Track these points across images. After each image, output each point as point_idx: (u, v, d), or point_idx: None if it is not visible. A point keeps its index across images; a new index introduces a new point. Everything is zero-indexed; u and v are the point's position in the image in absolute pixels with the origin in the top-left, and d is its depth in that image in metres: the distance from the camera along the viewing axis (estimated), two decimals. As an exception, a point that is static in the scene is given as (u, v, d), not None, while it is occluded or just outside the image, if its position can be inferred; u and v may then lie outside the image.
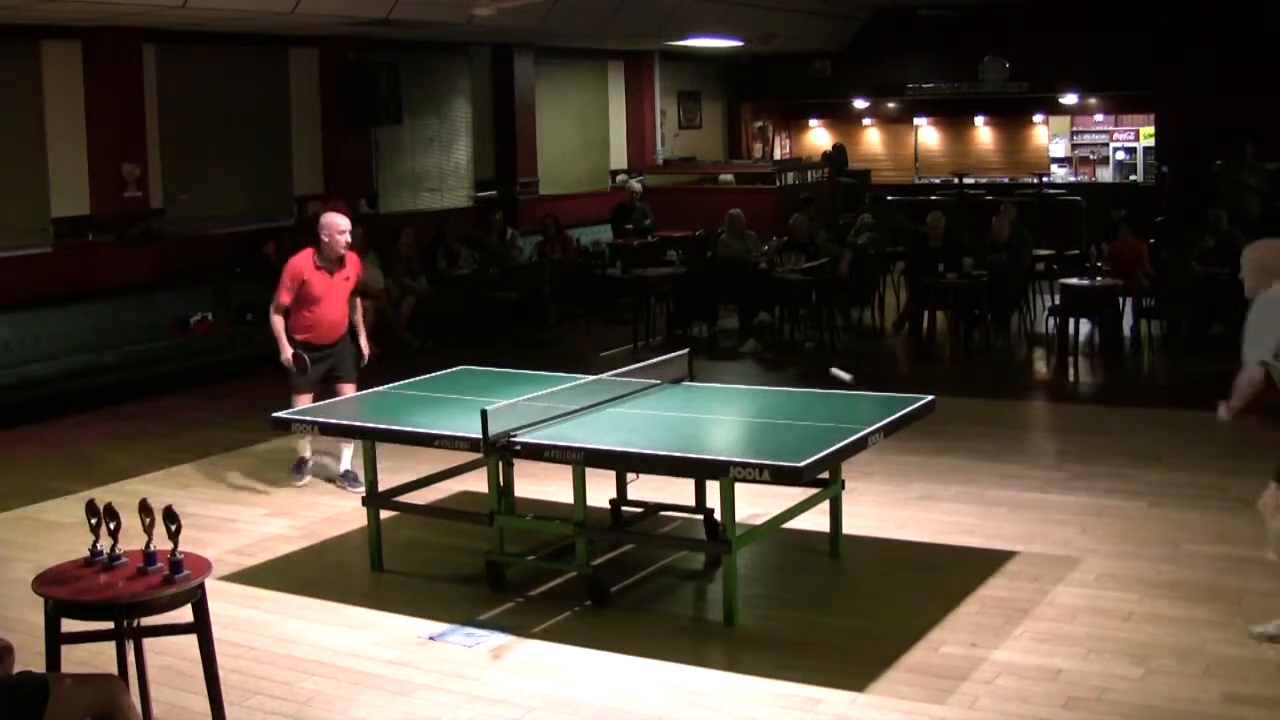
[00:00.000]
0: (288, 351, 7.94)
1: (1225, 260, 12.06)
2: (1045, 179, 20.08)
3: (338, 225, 7.91)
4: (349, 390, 8.01)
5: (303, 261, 7.95)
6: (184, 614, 4.61)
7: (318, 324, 7.99)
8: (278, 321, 7.98)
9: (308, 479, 8.20)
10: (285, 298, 7.93)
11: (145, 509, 4.54)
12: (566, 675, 5.30)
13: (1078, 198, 17.81)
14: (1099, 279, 11.94)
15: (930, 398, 6.55)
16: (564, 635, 5.70)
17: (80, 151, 11.69)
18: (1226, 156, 15.69)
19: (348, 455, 8.10)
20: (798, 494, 6.31)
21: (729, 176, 18.50)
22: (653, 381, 7.09)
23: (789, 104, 22.37)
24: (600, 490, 6.53)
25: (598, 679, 5.25)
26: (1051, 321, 12.37)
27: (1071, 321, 11.85)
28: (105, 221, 11.75)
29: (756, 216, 14.64)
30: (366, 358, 8.28)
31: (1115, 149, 20.54)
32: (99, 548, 4.59)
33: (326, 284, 7.93)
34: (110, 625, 4.41)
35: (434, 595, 6.23)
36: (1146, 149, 19.85)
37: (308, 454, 8.26)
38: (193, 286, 12.04)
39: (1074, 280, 12.23)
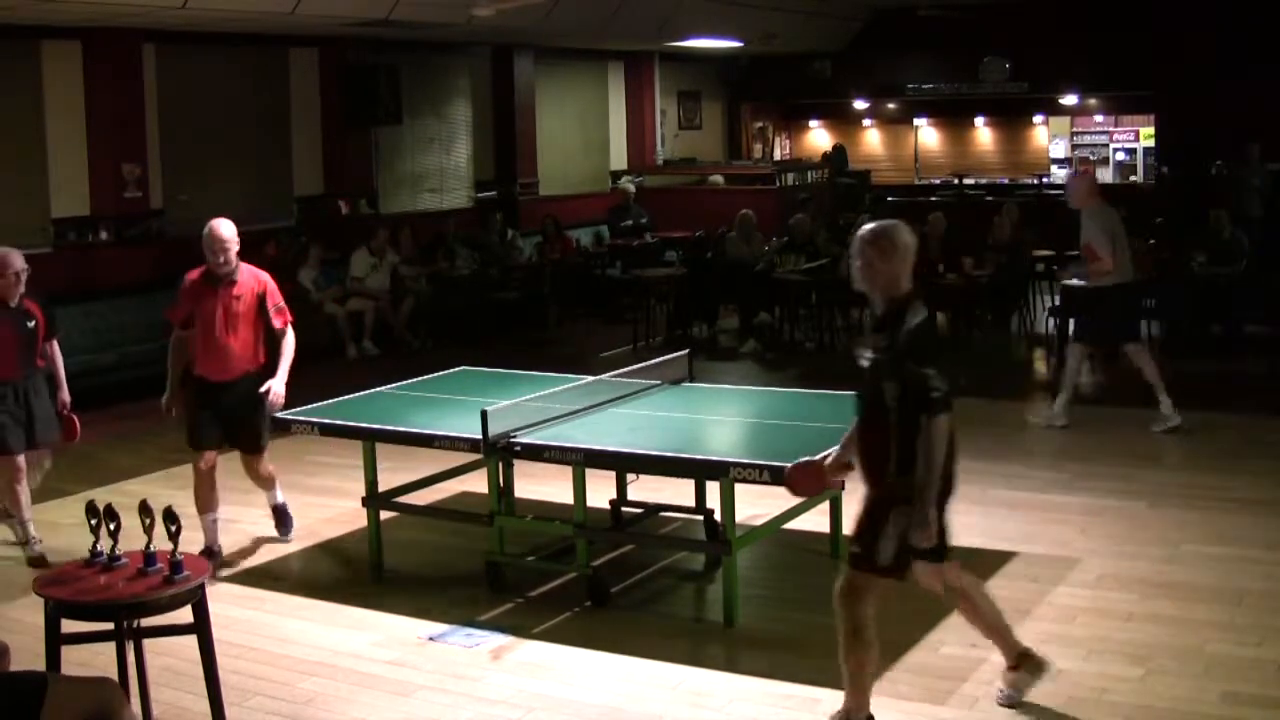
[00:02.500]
0: (168, 392, 6.84)
1: (1226, 261, 12.09)
2: (1045, 179, 20.09)
3: (212, 234, 6.56)
4: (255, 464, 6.88)
5: (192, 273, 6.73)
6: (184, 614, 4.61)
7: (201, 352, 6.69)
8: (172, 347, 6.86)
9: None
10: (172, 314, 6.78)
11: (145, 509, 4.55)
12: (566, 675, 5.30)
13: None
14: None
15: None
16: (564, 635, 5.70)
17: (80, 151, 11.70)
18: (1227, 156, 15.68)
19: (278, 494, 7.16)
20: (798, 494, 6.30)
21: (718, 178, 18.48)
22: (653, 382, 7.10)
23: (789, 104, 22.36)
24: (600, 490, 6.53)
25: (598, 679, 5.24)
26: (1051, 321, 12.37)
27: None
28: (105, 221, 11.76)
29: (757, 217, 14.64)
30: (273, 399, 6.64)
31: (1115, 149, 20.53)
32: (99, 548, 4.59)
33: (211, 303, 6.59)
34: (110, 626, 4.41)
35: (434, 595, 6.23)
36: (1146, 149, 19.85)
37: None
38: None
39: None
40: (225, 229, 6.56)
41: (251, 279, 6.69)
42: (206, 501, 6.78)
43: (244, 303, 6.62)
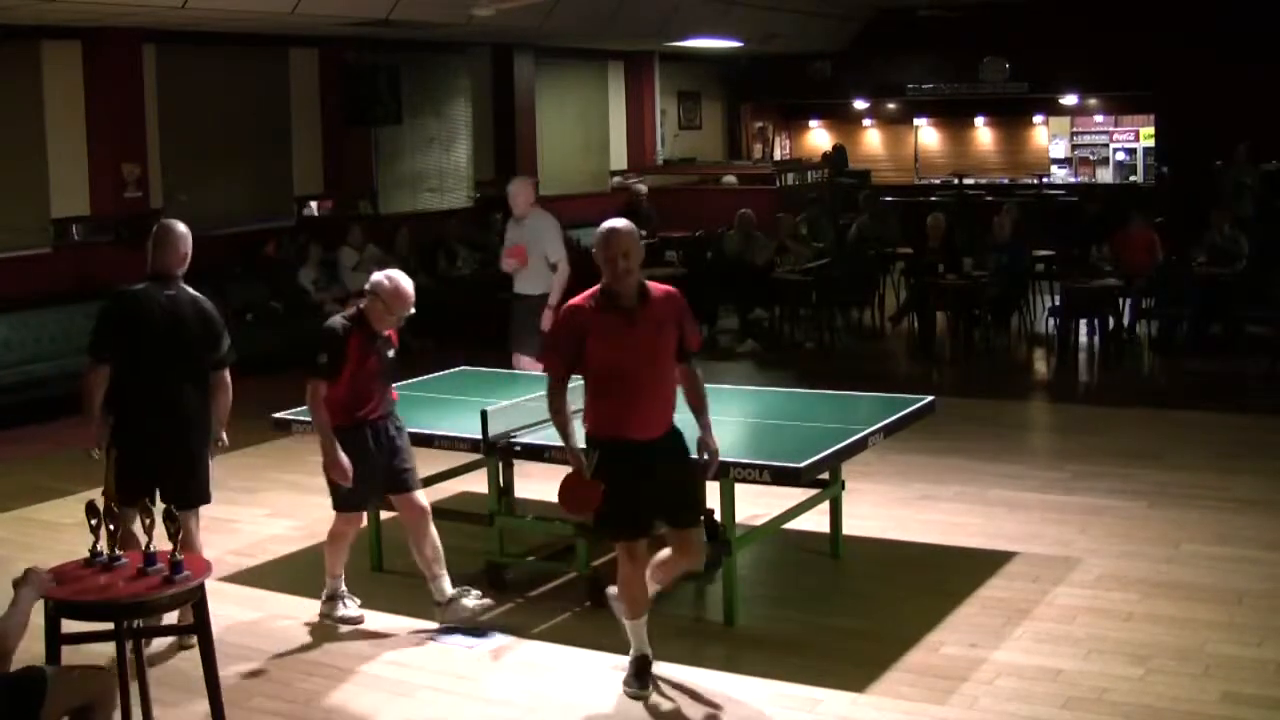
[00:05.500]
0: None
1: (1226, 261, 12.09)
2: (1045, 180, 20.09)
3: (631, 237, 4.96)
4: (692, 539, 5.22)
5: (579, 300, 5.08)
6: (184, 614, 4.61)
7: (617, 406, 5.06)
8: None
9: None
10: (553, 360, 5.23)
11: (145, 510, 4.55)
12: (566, 675, 5.30)
13: (1078, 198, 17.81)
14: (1100, 279, 11.95)
15: (930, 398, 6.57)
16: (564, 635, 5.70)
17: (80, 151, 11.70)
18: (1226, 157, 15.70)
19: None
20: (798, 494, 6.30)
21: (731, 178, 18.48)
22: (653, 382, 7.07)
23: (789, 104, 22.36)
24: (600, 490, 6.52)
25: (598, 679, 5.24)
26: (1051, 321, 12.37)
27: (1072, 322, 11.85)
28: (105, 221, 11.76)
29: (756, 217, 14.65)
30: (714, 458, 5.11)
31: (1115, 149, 20.54)
32: (99, 548, 4.59)
33: (629, 336, 4.98)
34: (110, 626, 4.41)
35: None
36: (1146, 149, 19.86)
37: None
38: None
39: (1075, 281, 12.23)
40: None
41: (664, 298, 5.07)
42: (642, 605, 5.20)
43: (664, 330, 5.03)
